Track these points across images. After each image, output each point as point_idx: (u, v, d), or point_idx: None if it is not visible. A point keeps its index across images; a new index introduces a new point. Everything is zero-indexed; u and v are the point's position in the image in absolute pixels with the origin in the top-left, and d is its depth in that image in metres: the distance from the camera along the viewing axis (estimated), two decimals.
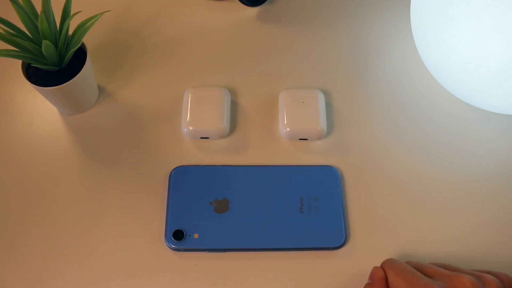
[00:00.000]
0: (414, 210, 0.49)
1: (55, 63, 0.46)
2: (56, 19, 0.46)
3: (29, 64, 0.47)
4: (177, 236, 0.45)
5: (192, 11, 0.59)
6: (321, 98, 0.52)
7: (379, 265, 0.43)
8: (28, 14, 0.44)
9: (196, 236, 0.46)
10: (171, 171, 0.49)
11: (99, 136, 0.51)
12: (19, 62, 0.47)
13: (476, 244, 0.47)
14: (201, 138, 0.51)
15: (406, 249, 0.47)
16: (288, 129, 0.50)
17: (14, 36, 0.44)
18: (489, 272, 0.40)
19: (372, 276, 0.43)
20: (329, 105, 0.54)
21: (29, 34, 0.45)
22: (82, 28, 0.46)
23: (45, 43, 0.43)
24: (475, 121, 0.54)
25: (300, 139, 0.51)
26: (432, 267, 0.41)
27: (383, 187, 0.50)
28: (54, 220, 0.47)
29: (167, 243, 0.46)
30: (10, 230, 0.47)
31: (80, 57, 0.48)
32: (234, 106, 0.53)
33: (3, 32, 0.44)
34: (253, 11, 0.60)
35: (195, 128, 0.50)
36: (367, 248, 0.47)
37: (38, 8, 0.44)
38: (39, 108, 0.53)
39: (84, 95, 0.50)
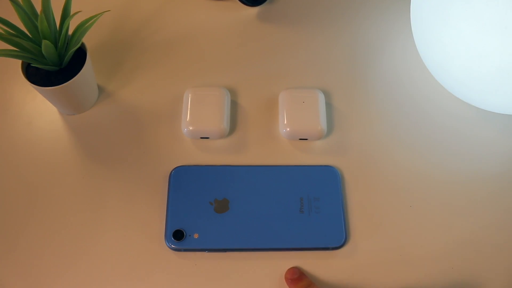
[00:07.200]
0: (414, 210, 0.49)
1: (55, 63, 0.46)
2: (56, 19, 0.46)
3: (29, 64, 0.47)
4: (177, 236, 0.45)
5: (192, 11, 0.59)
6: (321, 98, 0.52)
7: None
8: (28, 14, 0.44)
9: (196, 236, 0.46)
10: (171, 171, 0.49)
11: (99, 136, 0.51)
12: (19, 62, 0.47)
13: (476, 243, 0.47)
14: (201, 138, 0.51)
15: (406, 249, 0.47)
16: (288, 129, 0.50)
17: (14, 36, 0.44)
18: None
19: None
20: (329, 105, 0.54)
21: (29, 34, 0.45)
22: (82, 28, 0.46)
23: (45, 43, 0.43)
24: (475, 121, 0.54)
25: (300, 139, 0.51)
26: None
27: (383, 187, 0.50)
28: (54, 220, 0.47)
29: (167, 243, 0.46)
30: (10, 230, 0.47)
31: (80, 57, 0.48)
32: (234, 106, 0.53)
33: (3, 32, 0.44)
34: (253, 11, 0.60)
35: (195, 128, 0.50)
36: (367, 248, 0.47)
37: (38, 8, 0.44)
38: (39, 108, 0.53)
39: (84, 95, 0.50)
